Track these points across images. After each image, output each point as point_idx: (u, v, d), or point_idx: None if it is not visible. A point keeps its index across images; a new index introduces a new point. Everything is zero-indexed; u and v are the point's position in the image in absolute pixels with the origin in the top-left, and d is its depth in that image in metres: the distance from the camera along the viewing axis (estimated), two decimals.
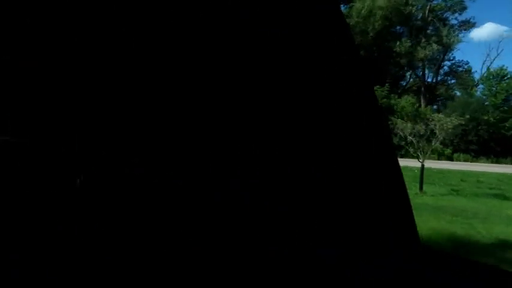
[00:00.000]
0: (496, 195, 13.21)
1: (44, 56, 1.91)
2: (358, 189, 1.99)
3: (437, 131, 14.95)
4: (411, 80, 41.96)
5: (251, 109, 1.96)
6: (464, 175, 18.59)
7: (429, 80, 40.94)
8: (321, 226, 1.95)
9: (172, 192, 1.94)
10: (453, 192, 13.56)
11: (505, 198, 12.84)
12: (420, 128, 15.19)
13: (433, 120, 15.69)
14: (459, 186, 14.91)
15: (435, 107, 37.72)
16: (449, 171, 20.08)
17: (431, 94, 39.46)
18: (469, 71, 39.67)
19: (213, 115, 1.96)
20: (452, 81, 40.76)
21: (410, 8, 38.19)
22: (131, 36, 1.95)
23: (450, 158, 29.93)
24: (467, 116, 29.07)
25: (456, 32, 39.17)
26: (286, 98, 1.93)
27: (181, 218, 1.94)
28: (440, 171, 19.69)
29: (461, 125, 28.05)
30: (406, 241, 2.04)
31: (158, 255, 1.86)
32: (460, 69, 40.67)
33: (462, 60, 44.50)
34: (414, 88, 40.24)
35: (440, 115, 18.59)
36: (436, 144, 15.25)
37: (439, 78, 41.26)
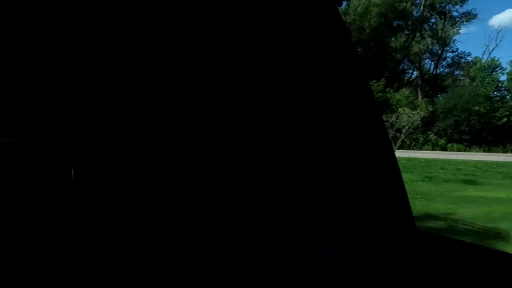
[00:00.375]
0: (465, 181, 13.11)
1: (44, 56, 1.83)
2: (358, 190, 1.92)
3: (404, 123, 15.26)
4: (415, 73, 41.66)
5: (251, 109, 1.87)
6: (446, 163, 18.53)
7: (432, 72, 40.63)
8: (321, 226, 1.88)
9: (172, 192, 1.87)
10: (426, 179, 13.46)
11: (473, 183, 12.76)
12: (392, 119, 15.51)
13: (402, 113, 16.00)
14: (435, 174, 14.87)
15: (440, 98, 37.31)
16: (434, 161, 19.97)
17: (436, 86, 39.10)
18: (475, 63, 39.13)
19: (213, 115, 1.88)
20: (456, 72, 40.25)
21: (405, 4, 37.74)
22: (131, 36, 1.86)
23: (444, 148, 29.81)
24: (450, 106, 29.22)
25: (457, 24, 38.58)
26: (285, 98, 1.84)
27: (181, 217, 1.86)
28: (426, 161, 19.61)
29: (457, 117, 28.04)
30: (406, 241, 1.96)
31: (158, 255, 1.79)
32: (463, 60, 40.22)
33: (464, 52, 43.69)
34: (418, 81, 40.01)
35: (407, 109, 18.88)
36: (406, 135, 15.51)
37: (442, 70, 40.82)
